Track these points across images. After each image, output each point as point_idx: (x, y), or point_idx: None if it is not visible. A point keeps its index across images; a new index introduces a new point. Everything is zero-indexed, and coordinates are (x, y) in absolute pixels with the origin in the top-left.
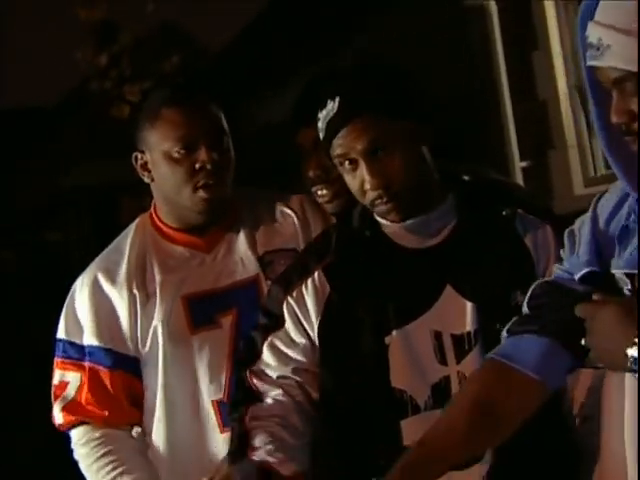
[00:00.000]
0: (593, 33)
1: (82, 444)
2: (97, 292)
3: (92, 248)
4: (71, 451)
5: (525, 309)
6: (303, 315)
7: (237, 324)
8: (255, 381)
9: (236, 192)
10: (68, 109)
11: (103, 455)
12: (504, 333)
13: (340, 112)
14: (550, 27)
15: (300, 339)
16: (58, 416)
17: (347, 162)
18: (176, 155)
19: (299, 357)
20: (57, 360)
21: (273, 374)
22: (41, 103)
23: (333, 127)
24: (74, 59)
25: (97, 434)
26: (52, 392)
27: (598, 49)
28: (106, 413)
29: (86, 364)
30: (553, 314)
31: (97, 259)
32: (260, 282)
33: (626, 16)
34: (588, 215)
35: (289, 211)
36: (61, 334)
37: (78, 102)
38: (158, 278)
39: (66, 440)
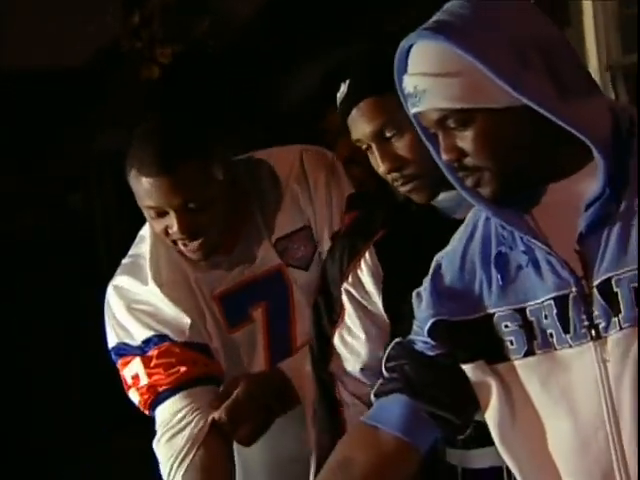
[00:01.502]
0: (409, 83)
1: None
2: (131, 294)
3: (114, 215)
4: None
5: (384, 371)
6: (366, 300)
7: (269, 316)
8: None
9: (239, 175)
10: (100, 70)
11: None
12: (372, 397)
13: (348, 95)
14: (583, 4)
15: (369, 328)
16: (138, 400)
17: (363, 146)
18: (149, 215)
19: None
20: (119, 364)
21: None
22: (71, 64)
23: (343, 111)
24: (105, 19)
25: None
26: (129, 392)
27: (416, 96)
28: (182, 369)
29: (149, 350)
30: (411, 375)
31: (122, 264)
32: (284, 270)
33: (433, 62)
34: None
35: (295, 186)
36: (112, 342)
37: (110, 63)
38: (180, 275)
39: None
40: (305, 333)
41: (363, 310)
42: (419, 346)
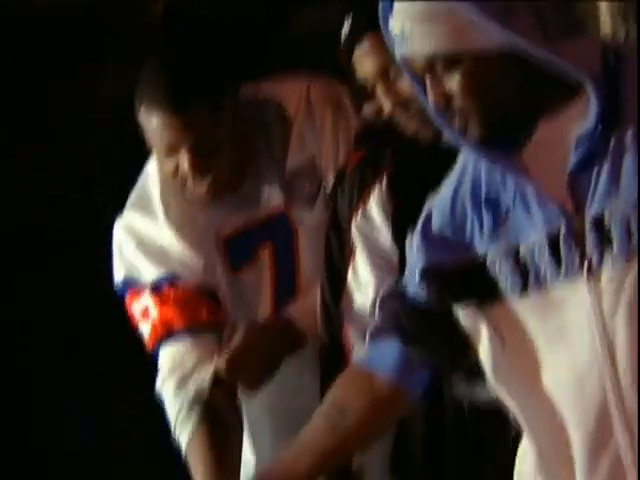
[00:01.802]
0: (395, 26)
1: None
2: (141, 232)
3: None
4: None
5: (377, 315)
6: (376, 235)
7: (274, 257)
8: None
9: (247, 113)
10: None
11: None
12: (367, 337)
13: (351, 31)
14: None
15: (380, 263)
16: (148, 334)
17: (370, 88)
18: (158, 154)
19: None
20: (128, 297)
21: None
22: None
23: (347, 48)
24: None
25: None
26: (138, 325)
27: (402, 39)
28: (193, 311)
29: (160, 288)
30: (403, 322)
31: (130, 200)
32: (289, 212)
33: (420, 5)
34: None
35: (302, 122)
36: (121, 276)
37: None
38: (190, 215)
39: None
40: (311, 275)
41: (373, 245)
42: (411, 292)
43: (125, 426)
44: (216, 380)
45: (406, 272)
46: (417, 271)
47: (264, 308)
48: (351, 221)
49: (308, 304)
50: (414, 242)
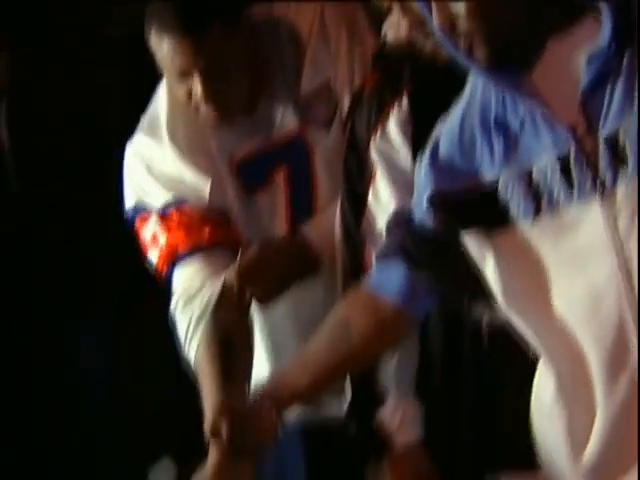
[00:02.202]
0: None
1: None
2: (150, 156)
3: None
4: None
5: (385, 238)
6: (395, 155)
7: (290, 180)
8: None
9: (261, 35)
10: None
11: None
12: (374, 259)
13: None
14: None
15: (400, 183)
16: (157, 260)
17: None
18: (170, 78)
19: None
20: (137, 223)
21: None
22: None
23: None
24: None
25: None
26: (148, 252)
27: None
28: (202, 232)
29: (168, 211)
30: (409, 247)
31: (141, 122)
32: (304, 135)
33: None
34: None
35: (316, 43)
36: (131, 201)
37: None
38: (199, 140)
39: None
40: (328, 197)
41: (393, 166)
42: (418, 217)
43: (141, 349)
44: (225, 291)
45: (414, 198)
46: (425, 197)
47: (280, 231)
48: (369, 143)
49: (325, 227)
50: (422, 168)
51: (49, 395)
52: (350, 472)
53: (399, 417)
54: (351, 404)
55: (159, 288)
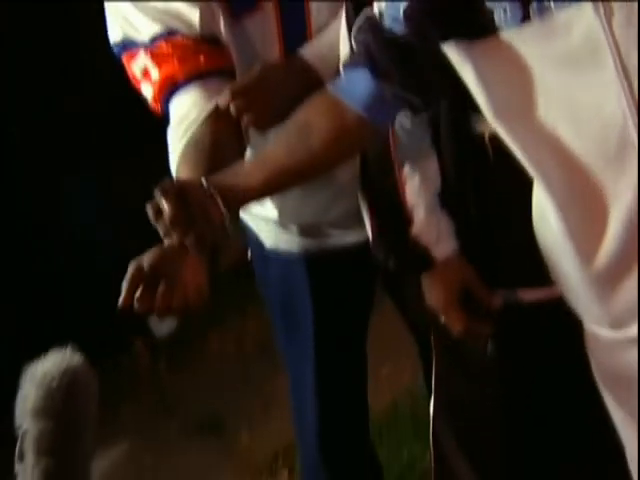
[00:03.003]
0: None
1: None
2: None
3: None
4: None
5: (352, 43)
6: None
7: (280, 3)
8: None
9: None
10: None
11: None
12: (341, 67)
13: None
14: None
15: None
16: (151, 93)
17: None
18: None
19: None
20: (125, 59)
21: None
22: None
23: None
24: None
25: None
26: (140, 86)
27: None
28: (197, 59)
29: (158, 42)
30: (375, 54)
31: None
32: None
33: None
34: None
35: None
36: (117, 37)
37: None
38: None
39: None
40: (321, 21)
41: None
42: (388, 23)
43: (125, 200)
44: (221, 112)
45: (383, 4)
46: (400, 6)
47: (272, 58)
48: None
49: (324, 48)
50: None
51: (34, 250)
52: (357, 292)
53: (435, 231)
54: (378, 226)
55: (142, 144)
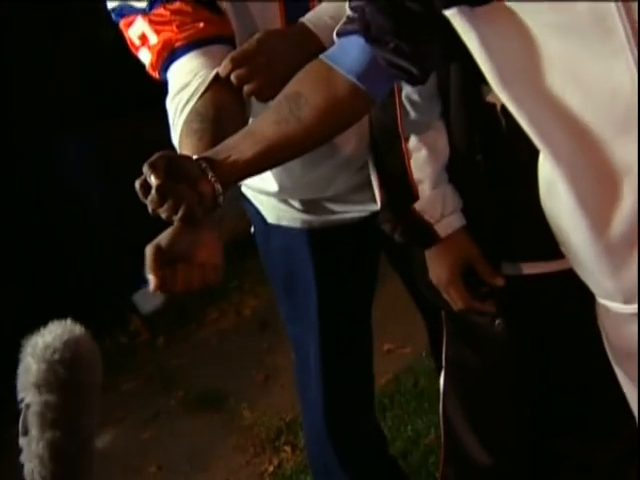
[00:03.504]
0: None
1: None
2: None
3: None
4: None
5: (347, 10)
6: None
7: None
8: None
9: None
10: None
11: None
12: (334, 36)
13: None
14: None
15: None
16: (149, 59)
17: None
18: None
19: None
20: (122, 25)
21: None
22: None
23: None
24: None
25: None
26: (138, 52)
27: None
28: (197, 25)
29: (156, 8)
30: (369, 19)
31: None
32: None
33: None
34: None
35: None
36: (113, 3)
37: None
38: None
39: None
40: None
41: None
42: None
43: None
44: (221, 80)
45: None
46: None
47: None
48: None
49: (327, 16)
50: None
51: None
52: (360, 267)
53: (439, 207)
54: (386, 201)
55: (141, 106)
